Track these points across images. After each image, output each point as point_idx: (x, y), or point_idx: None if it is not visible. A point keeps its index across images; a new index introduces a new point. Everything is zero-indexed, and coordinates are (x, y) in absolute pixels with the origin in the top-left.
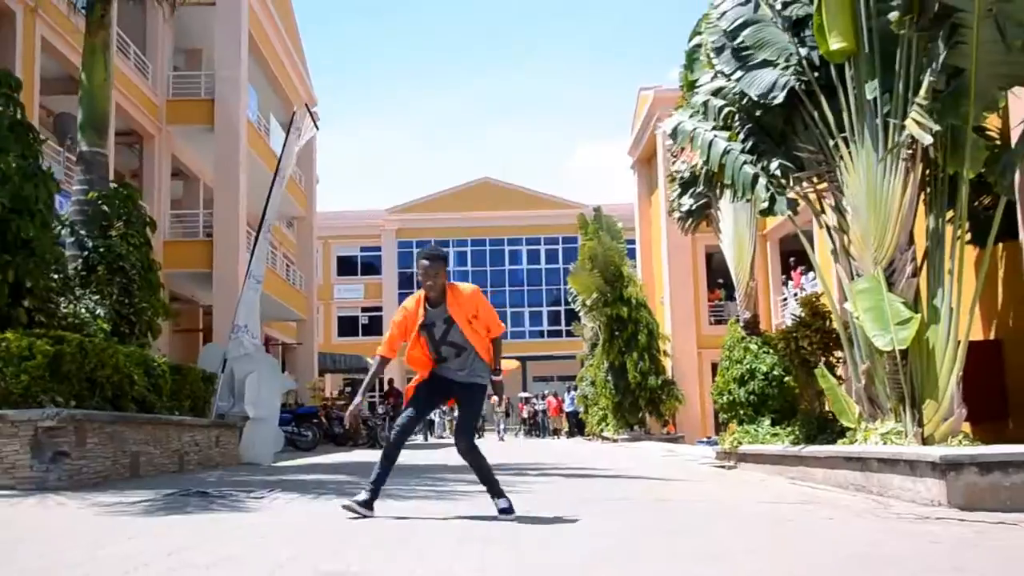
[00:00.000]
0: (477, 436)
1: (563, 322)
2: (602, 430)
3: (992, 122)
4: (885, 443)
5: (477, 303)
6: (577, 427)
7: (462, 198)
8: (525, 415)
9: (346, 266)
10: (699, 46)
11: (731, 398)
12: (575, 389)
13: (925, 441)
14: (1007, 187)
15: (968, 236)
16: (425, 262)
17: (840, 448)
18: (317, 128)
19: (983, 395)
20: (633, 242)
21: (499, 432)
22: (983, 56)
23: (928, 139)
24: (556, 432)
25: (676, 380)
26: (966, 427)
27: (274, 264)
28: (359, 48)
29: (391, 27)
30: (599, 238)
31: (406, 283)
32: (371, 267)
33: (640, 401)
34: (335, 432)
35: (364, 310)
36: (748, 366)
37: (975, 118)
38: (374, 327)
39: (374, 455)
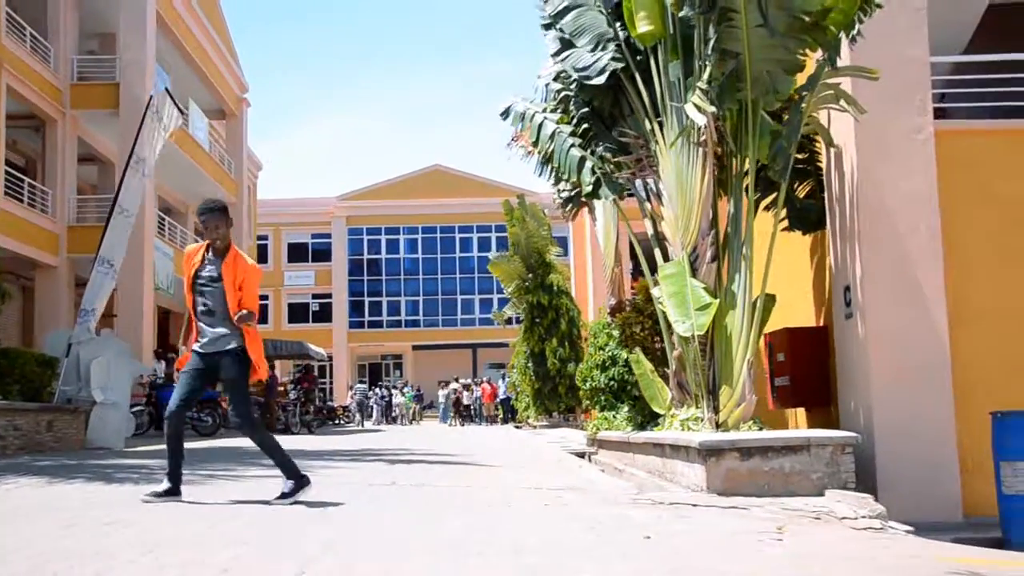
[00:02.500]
0: (400, 422)
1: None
2: (528, 417)
3: None
4: (684, 429)
5: (248, 276)
6: (511, 414)
7: (413, 185)
8: (465, 402)
9: (297, 253)
10: None
11: (593, 384)
12: (506, 377)
13: (719, 427)
14: (778, 172)
15: (785, 223)
16: (203, 215)
17: (647, 435)
18: (183, 113)
19: (812, 382)
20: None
21: (444, 419)
22: (754, 40)
23: (702, 120)
24: (491, 419)
25: None
26: (800, 413)
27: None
28: (331, 39)
29: (366, 18)
30: (523, 224)
31: (356, 270)
32: (322, 254)
33: (560, 388)
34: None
35: (315, 296)
36: (610, 353)
37: (764, 103)
38: (324, 314)
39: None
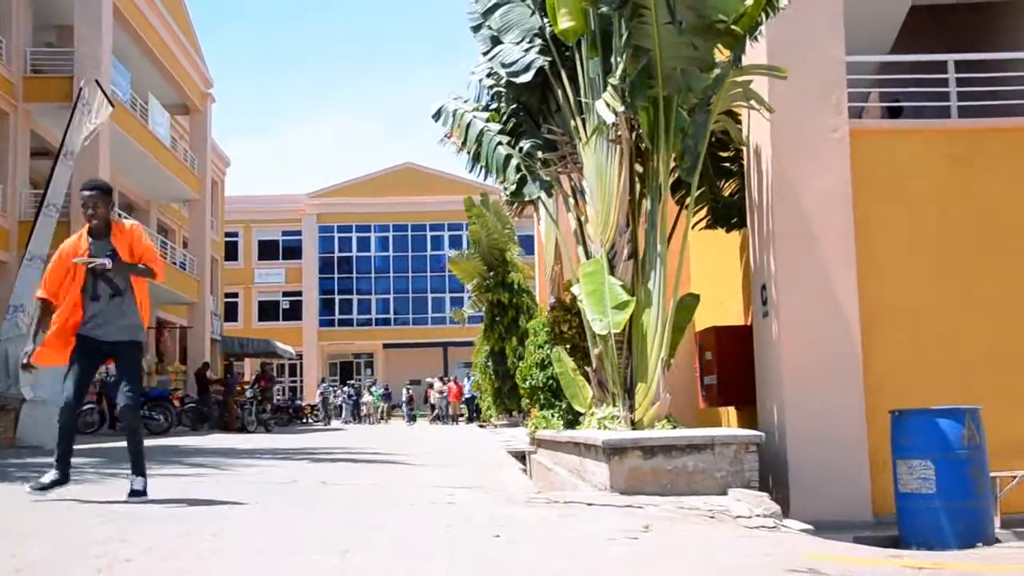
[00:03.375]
0: (369, 420)
1: None
2: (490, 416)
3: None
4: (600, 428)
5: (133, 236)
6: (476, 413)
7: (384, 183)
8: (432, 401)
9: (267, 250)
10: None
11: (533, 383)
12: (471, 376)
13: (635, 426)
14: (686, 171)
15: (707, 221)
16: (86, 192)
17: (568, 433)
18: (112, 105)
19: (740, 380)
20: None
21: (406, 416)
22: (664, 37)
23: (611, 118)
24: (456, 418)
25: None
26: (731, 412)
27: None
28: (321, 38)
29: (362, 18)
30: (483, 222)
31: (327, 268)
32: (292, 251)
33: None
34: (213, 415)
35: (285, 294)
36: (548, 351)
37: (680, 100)
38: (295, 312)
39: (209, 441)
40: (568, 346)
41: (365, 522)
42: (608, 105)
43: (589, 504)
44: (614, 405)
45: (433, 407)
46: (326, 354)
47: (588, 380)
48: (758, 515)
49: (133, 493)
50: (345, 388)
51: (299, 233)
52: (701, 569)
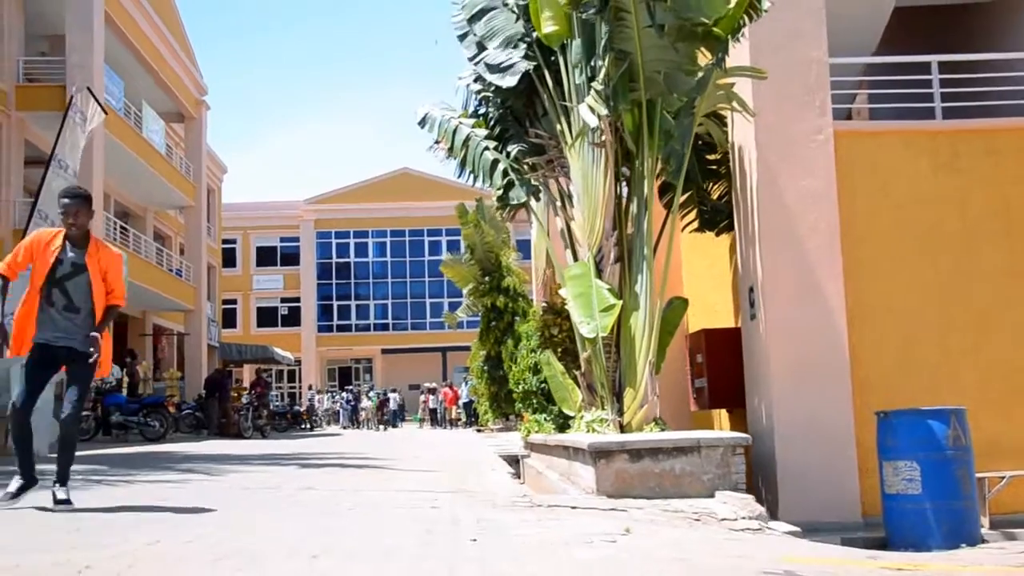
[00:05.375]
0: (367, 426)
1: None
2: (487, 421)
3: None
4: (589, 431)
5: (111, 263)
6: (474, 417)
7: (381, 188)
8: (431, 406)
9: (265, 257)
10: None
11: (526, 387)
12: (468, 380)
13: (623, 429)
14: (671, 174)
15: (696, 224)
16: (65, 200)
17: (556, 437)
18: (105, 113)
19: (730, 383)
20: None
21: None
22: (645, 41)
23: (594, 122)
24: (453, 423)
25: None
26: (724, 414)
27: (149, 254)
28: (323, 42)
29: (353, 22)
30: (479, 227)
31: (325, 274)
32: (291, 258)
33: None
34: (214, 422)
35: (284, 300)
36: (540, 355)
37: (665, 104)
38: (294, 318)
39: (203, 447)
40: (559, 350)
41: (341, 527)
42: (591, 109)
43: (573, 508)
44: (603, 408)
45: (433, 411)
46: (325, 360)
47: (578, 384)
48: (743, 517)
49: (60, 502)
50: (343, 393)
51: (297, 239)
52: (675, 571)
